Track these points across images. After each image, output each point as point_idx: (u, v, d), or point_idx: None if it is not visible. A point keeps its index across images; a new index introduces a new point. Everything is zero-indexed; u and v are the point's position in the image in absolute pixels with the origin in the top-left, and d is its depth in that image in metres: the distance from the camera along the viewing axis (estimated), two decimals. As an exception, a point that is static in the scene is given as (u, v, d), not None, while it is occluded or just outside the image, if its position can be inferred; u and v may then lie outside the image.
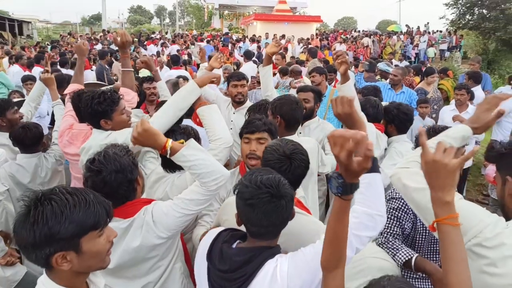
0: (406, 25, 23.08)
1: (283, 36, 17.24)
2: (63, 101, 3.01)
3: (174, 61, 7.98)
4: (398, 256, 1.90)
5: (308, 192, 2.38)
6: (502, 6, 16.91)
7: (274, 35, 17.18)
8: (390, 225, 2.06)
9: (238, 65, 9.91)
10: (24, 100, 3.75)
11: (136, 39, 17.56)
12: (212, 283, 1.33)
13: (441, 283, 1.73)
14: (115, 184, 1.53)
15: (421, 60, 15.84)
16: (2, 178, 2.68)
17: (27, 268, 2.53)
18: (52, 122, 3.85)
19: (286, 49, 12.12)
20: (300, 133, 2.86)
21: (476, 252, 1.21)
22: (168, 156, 1.63)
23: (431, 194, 1.14)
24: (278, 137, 2.11)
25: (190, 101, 2.11)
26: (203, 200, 1.65)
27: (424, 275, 1.94)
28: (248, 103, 3.47)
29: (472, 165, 5.28)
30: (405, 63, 11.16)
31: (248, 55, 9.15)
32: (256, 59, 10.39)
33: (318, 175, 2.70)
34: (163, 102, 3.02)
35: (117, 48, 3.86)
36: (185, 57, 11.56)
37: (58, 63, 7.79)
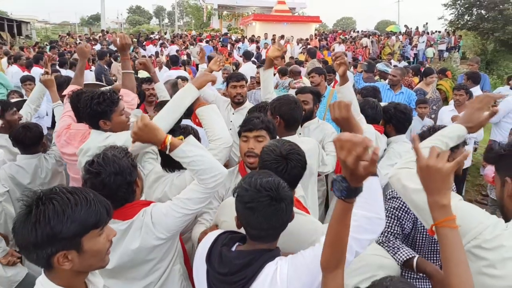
0: (405, 26, 23.06)
1: (282, 37, 17.24)
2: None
3: (173, 62, 7.99)
4: (398, 255, 1.90)
5: (308, 192, 2.39)
6: (501, 6, 16.94)
7: (274, 35, 17.22)
8: (390, 224, 2.06)
9: (237, 65, 9.89)
10: (22, 101, 3.74)
11: (135, 40, 17.55)
12: (211, 286, 1.33)
13: (442, 285, 1.74)
14: (114, 186, 1.53)
15: (420, 60, 15.84)
16: (2, 179, 2.67)
17: (28, 269, 2.53)
18: (53, 123, 3.84)
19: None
20: (300, 134, 2.86)
21: (475, 253, 1.21)
22: (167, 152, 1.63)
23: (427, 199, 1.15)
24: (278, 137, 2.12)
25: (188, 103, 2.11)
26: (202, 198, 1.65)
27: (424, 276, 1.94)
28: (247, 104, 3.48)
29: (471, 165, 5.28)
30: (404, 63, 11.17)
31: (247, 56, 9.14)
32: (255, 60, 10.39)
33: (319, 175, 2.70)
34: (161, 102, 3.03)
35: (116, 48, 3.86)
36: (184, 57, 11.56)
37: (57, 64, 7.78)
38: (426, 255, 2.09)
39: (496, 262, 1.17)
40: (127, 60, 2.81)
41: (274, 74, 6.30)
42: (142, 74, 4.95)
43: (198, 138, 1.98)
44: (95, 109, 2.12)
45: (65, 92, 2.88)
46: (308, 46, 13.13)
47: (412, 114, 3.18)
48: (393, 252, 1.93)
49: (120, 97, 2.25)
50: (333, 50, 14.80)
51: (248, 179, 1.31)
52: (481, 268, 1.20)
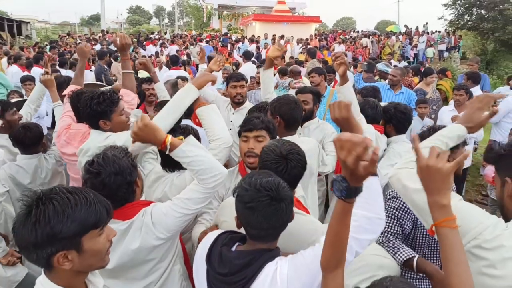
0: (405, 26, 23.05)
1: (282, 37, 17.24)
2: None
3: (173, 62, 8.00)
4: (398, 255, 1.91)
5: (308, 192, 2.39)
6: (501, 6, 16.95)
7: (274, 35, 17.21)
8: (390, 224, 2.06)
9: (237, 65, 9.89)
10: (22, 101, 3.74)
11: (135, 40, 17.55)
12: (212, 286, 1.33)
13: (442, 285, 1.74)
14: (114, 186, 1.53)
15: (420, 60, 15.84)
16: (2, 179, 2.67)
17: (28, 269, 2.53)
18: (53, 123, 3.84)
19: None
20: (300, 134, 2.86)
21: (476, 253, 1.21)
22: (167, 152, 1.63)
23: (427, 199, 1.16)
24: (279, 137, 2.12)
25: (188, 103, 2.11)
26: (202, 198, 1.66)
27: (424, 276, 1.94)
28: (248, 104, 3.48)
29: (471, 165, 5.28)
30: (404, 63, 11.17)
31: (247, 56, 9.13)
32: (255, 60, 10.39)
33: (319, 175, 2.70)
34: (161, 102, 3.03)
35: (116, 48, 3.86)
36: (184, 57, 11.56)
37: (57, 64, 7.78)
38: (426, 255, 2.09)
39: (496, 262, 1.18)
40: (127, 60, 2.82)
41: (274, 74, 6.31)
42: (142, 74, 4.95)
43: (198, 138, 1.98)
44: (95, 109, 2.12)
45: (65, 92, 2.88)
46: (308, 46, 13.13)
47: (412, 114, 3.18)
48: (393, 252, 1.93)
49: (120, 97, 2.25)
50: (333, 50, 14.80)
51: (248, 179, 1.31)
52: (481, 268, 1.20)
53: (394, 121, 2.93)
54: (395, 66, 7.09)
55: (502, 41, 17.43)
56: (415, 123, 4.33)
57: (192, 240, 2.01)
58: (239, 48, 16.19)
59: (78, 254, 1.08)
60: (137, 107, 3.23)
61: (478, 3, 18.22)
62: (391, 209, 2.08)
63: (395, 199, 2.10)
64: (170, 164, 2.09)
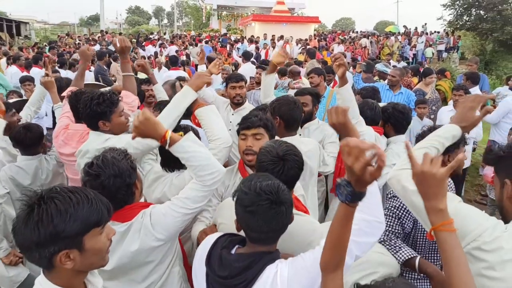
0: (404, 26, 23.03)
1: (281, 37, 17.25)
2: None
3: (172, 62, 7.98)
4: (399, 254, 1.91)
5: (308, 193, 2.40)
6: (499, 7, 16.99)
7: (273, 35, 17.22)
8: (391, 223, 2.07)
9: (237, 66, 9.90)
10: (22, 101, 3.74)
11: (134, 40, 17.55)
12: (211, 289, 1.33)
13: (442, 286, 1.74)
14: (113, 188, 1.53)
15: (419, 61, 15.86)
16: (3, 180, 2.66)
17: (29, 270, 2.53)
18: (54, 124, 3.84)
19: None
20: (300, 135, 2.87)
21: (475, 255, 1.21)
22: (167, 147, 1.63)
23: (424, 204, 1.16)
24: (279, 138, 2.12)
25: (186, 105, 2.11)
26: (200, 197, 1.66)
27: (424, 276, 1.95)
28: (247, 104, 3.48)
29: (470, 165, 5.29)
30: (403, 64, 11.17)
31: (246, 56, 9.12)
32: (255, 60, 10.38)
33: (319, 176, 2.70)
34: (160, 102, 3.03)
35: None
36: (183, 58, 11.55)
37: (56, 64, 7.77)
38: (427, 255, 2.10)
39: (495, 264, 1.18)
40: (127, 63, 2.82)
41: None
42: (141, 75, 4.95)
43: (199, 137, 1.98)
44: (94, 109, 2.11)
45: (64, 93, 2.88)
46: (307, 47, 13.14)
47: (411, 114, 3.18)
48: (394, 251, 1.94)
49: (120, 98, 2.24)
50: (332, 50, 14.81)
51: (247, 182, 1.31)
52: (480, 270, 1.20)
53: (392, 120, 2.93)
54: (394, 66, 7.10)
55: (501, 42, 17.47)
56: (415, 124, 4.33)
57: (192, 238, 2.01)
58: (238, 48, 16.19)
59: (80, 253, 1.08)
60: (137, 107, 3.23)
61: (477, 3, 18.26)
62: (392, 208, 2.09)
63: (395, 198, 2.10)
64: (170, 164, 2.10)
